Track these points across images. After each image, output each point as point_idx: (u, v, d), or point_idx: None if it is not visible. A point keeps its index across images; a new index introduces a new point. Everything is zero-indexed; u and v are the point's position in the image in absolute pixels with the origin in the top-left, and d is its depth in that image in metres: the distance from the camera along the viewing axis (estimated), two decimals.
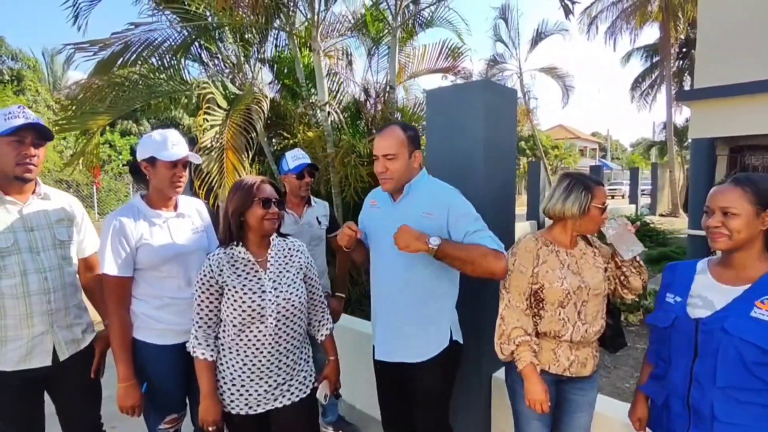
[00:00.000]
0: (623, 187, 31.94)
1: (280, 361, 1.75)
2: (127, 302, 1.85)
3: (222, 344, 1.74)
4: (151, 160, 1.87)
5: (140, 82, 4.01)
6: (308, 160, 2.75)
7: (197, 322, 1.72)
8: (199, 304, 1.71)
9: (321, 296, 1.96)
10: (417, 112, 5.47)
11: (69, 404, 1.95)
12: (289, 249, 1.86)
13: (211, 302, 1.70)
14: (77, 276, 1.98)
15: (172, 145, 1.88)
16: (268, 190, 1.75)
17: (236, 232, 1.74)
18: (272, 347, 1.72)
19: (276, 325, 1.71)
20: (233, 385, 1.72)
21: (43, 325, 1.78)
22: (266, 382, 1.73)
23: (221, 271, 1.69)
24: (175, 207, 1.98)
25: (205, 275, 1.69)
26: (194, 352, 1.71)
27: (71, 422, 1.98)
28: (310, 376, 1.89)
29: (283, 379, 1.76)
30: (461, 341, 1.96)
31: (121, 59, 3.94)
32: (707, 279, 1.46)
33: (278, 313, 1.70)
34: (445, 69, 5.70)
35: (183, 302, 1.87)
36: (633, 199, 20.90)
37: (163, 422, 1.91)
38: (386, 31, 5.23)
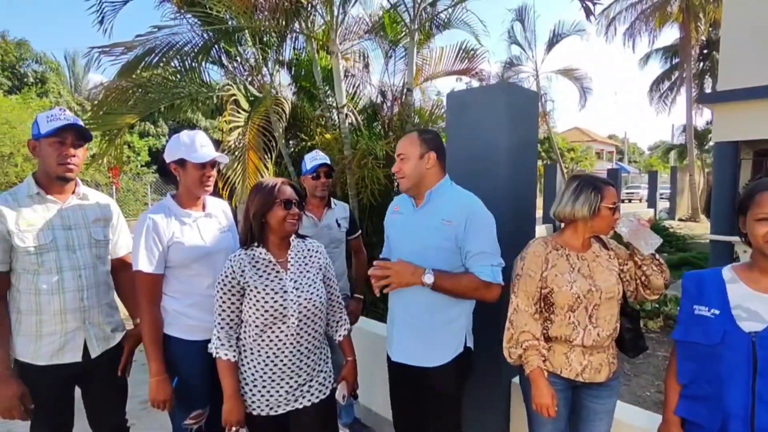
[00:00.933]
0: (641, 191, 31.47)
1: (301, 361, 1.75)
2: (159, 299, 1.89)
3: (243, 345, 1.76)
4: (181, 162, 1.93)
5: (163, 84, 4.09)
6: (324, 160, 2.75)
7: (219, 323, 1.73)
8: (220, 305, 1.73)
9: (339, 297, 1.98)
10: (435, 113, 5.46)
11: (96, 400, 2.00)
12: (309, 250, 1.88)
13: (233, 303, 1.72)
14: (110, 275, 2.03)
15: (200, 146, 1.93)
16: (288, 192, 1.77)
17: (258, 234, 1.75)
18: (294, 347, 1.73)
19: (297, 326, 1.72)
20: (254, 386, 1.73)
21: (76, 321, 1.84)
22: (287, 383, 1.74)
23: (243, 271, 1.70)
24: (204, 207, 2.03)
25: (226, 276, 1.71)
26: (217, 353, 1.72)
27: (98, 417, 2.03)
28: (330, 377, 1.90)
29: (304, 380, 1.77)
30: (472, 347, 1.97)
31: (145, 62, 4.01)
32: (742, 288, 1.39)
33: (300, 313, 1.71)
34: (462, 71, 5.67)
35: (211, 300, 1.88)
36: (651, 202, 20.53)
37: (189, 417, 1.93)
38: (404, 33, 5.23)
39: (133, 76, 4.02)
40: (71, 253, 1.84)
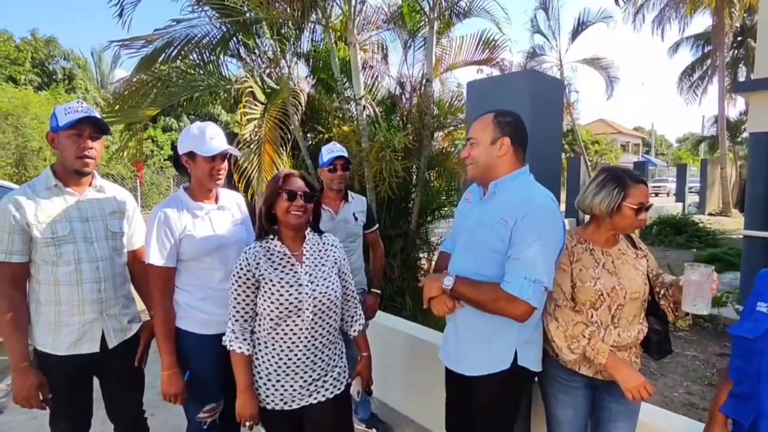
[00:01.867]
0: (668, 185, 30.58)
1: (315, 356, 1.73)
2: (171, 292, 1.90)
3: (257, 339, 1.74)
4: (191, 155, 1.91)
5: (181, 77, 4.11)
6: (341, 153, 2.70)
7: (233, 316, 1.72)
8: (235, 298, 1.70)
9: (354, 292, 1.95)
10: (454, 105, 5.35)
11: (114, 390, 2.03)
12: (324, 244, 1.85)
13: (247, 296, 1.70)
14: (126, 267, 2.05)
15: (209, 138, 1.90)
16: (296, 183, 1.73)
17: (267, 226, 1.74)
18: (308, 341, 1.71)
19: (312, 319, 1.70)
20: (269, 380, 1.71)
21: (94, 312, 1.86)
22: (301, 377, 1.71)
23: (258, 264, 1.68)
24: (216, 199, 2.01)
25: (241, 268, 1.68)
26: (231, 345, 1.71)
27: (115, 407, 2.06)
28: (344, 372, 1.87)
29: (318, 375, 1.75)
30: (533, 368, 1.71)
31: (164, 55, 4.04)
32: None
33: (314, 306, 1.69)
34: (483, 61, 5.51)
35: (224, 293, 1.86)
36: (680, 197, 19.87)
37: (202, 411, 1.93)
38: (423, 22, 5.11)
39: (153, 69, 4.06)
40: (89, 245, 1.86)
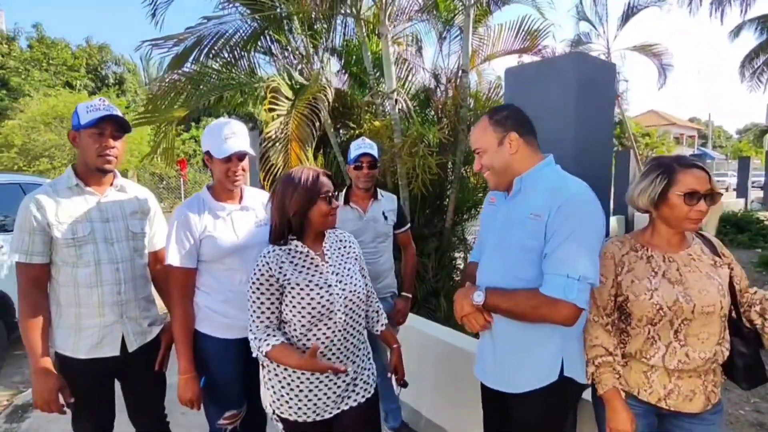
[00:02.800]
0: (728, 179, 28.66)
1: (348, 358, 1.65)
2: (191, 294, 1.85)
3: None
4: (209, 154, 1.85)
5: (213, 75, 4.11)
6: (368, 150, 2.55)
7: (255, 325, 1.59)
8: (258, 306, 1.58)
9: (371, 287, 1.88)
10: (492, 97, 5.08)
11: (135, 393, 2.00)
12: (341, 240, 1.78)
13: (271, 303, 1.58)
14: (147, 269, 2.01)
15: (225, 138, 1.82)
16: (329, 184, 1.64)
17: (297, 230, 1.62)
18: (341, 344, 1.61)
19: (344, 321, 1.60)
20: (300, 390, 1.60)
21: (114, 315, 1.83)
22: (335, 383, 1.62)
23: (281, 268, 1.57)
24: (240, 199, 1.94)
25: (262, 274, 1.56)
26: (263, 347, 1.54)
27: (137, 410, 2.04)
28: (373, 374, 1.80)
29: (351, 378, 1.67)
30: (580, 380, 1.53)
31: (195, 53, 4.04)
32: None
33: (346, 306, 1.62)
34: (523, 49, 5.19)
35: (244, 296, 1.80)
36: (742, 192, 18.36)
37: (222, 418, 1.87)
38: (458, 10, 4.87)
39: (184, 68, 4.08)
40: (109, 246, 1.83)
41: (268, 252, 1.61)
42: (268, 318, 1.59)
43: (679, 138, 41.29)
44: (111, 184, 1.89)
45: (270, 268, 1.57)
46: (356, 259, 1.78)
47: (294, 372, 1.60)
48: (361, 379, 1.71)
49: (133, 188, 1.99)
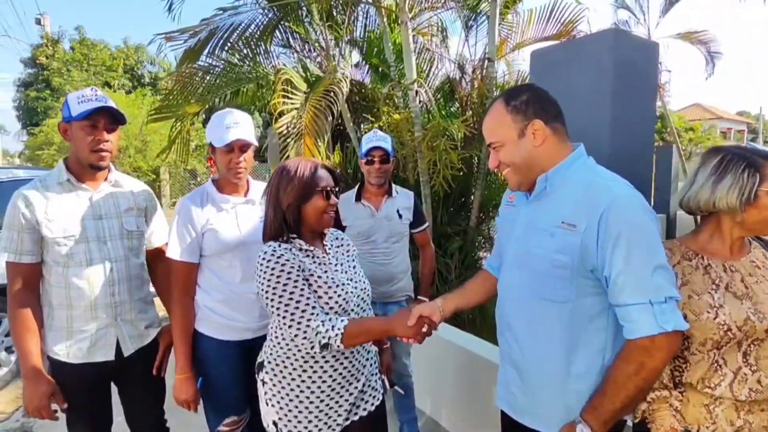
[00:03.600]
0: None
1: (360, 363, 1.54)
2: (192, 290, 1.79)
3: (295, 359, 1.46)
4: (212, 145, 1.77)
5: (228, 69, 4.03)
6: (379, 143, 2.38)
7: (307, 319, 1.35)
8: (298, 298, 1.36)
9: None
10: None
11: (133, 398, 1.92)
12: (337, 239, 1.67)
13: (303, 289, 1.38)
14: (145, 268, 1.92)
15: (227, 128, 1.73)
16: (327, 178, 1.50)
17: (294, 226, 1.48)
18: (355, 348, 1.49)
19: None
20: (311, 402, 1.47)
21: (107, 317, 1.74)
22: (347, 391, 1.51)
23: (297, 258, 1.43)
24: (246, 192, 1.85)
25: (287, 260, 1.38)
26: (334, 338, 1.34)
27: (135, 415, 1.95)
28: (381, 380, 1.71)
29: (363, 384, 1.56)
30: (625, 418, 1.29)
31: (210, 45, 3.97)
32: None
33: (358, 306, 1.53)
34: (555, 36, 4.85)
35: (244, 297, 1.76)
36: None
37: (222, 424, 1.78)
38: None
39: (199, 62, 4.02)
40: (102, 245, 1.73)
41: (277, 246, 1.43)
42: (313, 307, 1.37)
43: (726, 133, 38.90)
44: (105, 179, 1.80)
45: (288, 258, 1.39)
46: (356, 257, 1.69)
47: (303, 382, 1.46)
48: (370, 385, 1.60)
49: (129, 183, 1.90)
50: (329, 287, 1.44)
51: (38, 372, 1.64)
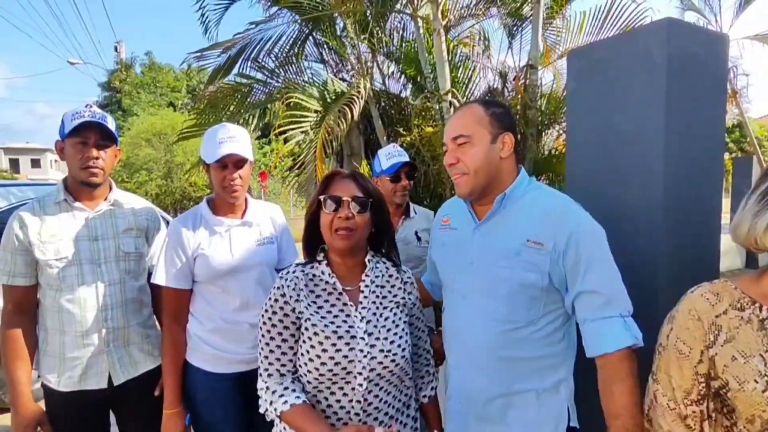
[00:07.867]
0: None
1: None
2: (183, 319, 1.68)
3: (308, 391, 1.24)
4: (205, 163, 1.65)
5: (258, 86, 4.02)
6: (405, 158, 2.19)
7: (269, 374, 1.21)
8: (269, 347, 1.21)
9: (427, 344, 1.45)
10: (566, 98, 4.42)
11: (128, 427, 1.81)
12: (390, 276, 1.33)
13: (284, 340, 1.21)
14: (146, 291, 1.82)
15: (219, 142, 1.60)
16: (343, 185, 1.23)
17: (318, 245, 1.30)
18: (359, 419, 1.19)
19: (366, 388, 1.18)
20: None
21: (100, 344, 1.64)
22: None
23: (298, 296, 1.20)
24: (243, 214, 1.71)
25: (276, 301, 1.21)
26: (278, 405, 1.16)
27: None
28: None
29: None
30: (578, 425, 1.30)
31: (240, 60, 3.98)
32: None
33: (371, 370, 1.18)
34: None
35: (237, 327, 1.64)
36: None
37: None
38: None
39: (229, 79, 4.04)
40: (95, 267, 1.65)
41: (288, 273, 1.25)
42: (284, 365, 1.21)
43: None
44: (105, 199, 1.73)
45: (283, 293, 1.21)
46: (405, 305, 1.32)
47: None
48: None
49: (130, 202, 1.82)
50: (326, 337, 1.17)
51: (26, 400, 1.58)
